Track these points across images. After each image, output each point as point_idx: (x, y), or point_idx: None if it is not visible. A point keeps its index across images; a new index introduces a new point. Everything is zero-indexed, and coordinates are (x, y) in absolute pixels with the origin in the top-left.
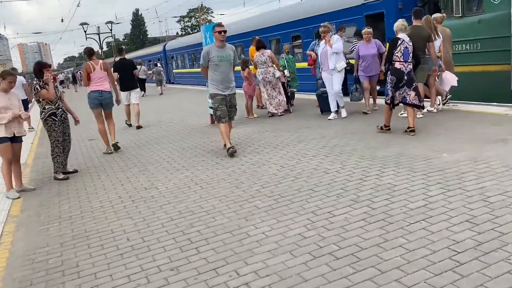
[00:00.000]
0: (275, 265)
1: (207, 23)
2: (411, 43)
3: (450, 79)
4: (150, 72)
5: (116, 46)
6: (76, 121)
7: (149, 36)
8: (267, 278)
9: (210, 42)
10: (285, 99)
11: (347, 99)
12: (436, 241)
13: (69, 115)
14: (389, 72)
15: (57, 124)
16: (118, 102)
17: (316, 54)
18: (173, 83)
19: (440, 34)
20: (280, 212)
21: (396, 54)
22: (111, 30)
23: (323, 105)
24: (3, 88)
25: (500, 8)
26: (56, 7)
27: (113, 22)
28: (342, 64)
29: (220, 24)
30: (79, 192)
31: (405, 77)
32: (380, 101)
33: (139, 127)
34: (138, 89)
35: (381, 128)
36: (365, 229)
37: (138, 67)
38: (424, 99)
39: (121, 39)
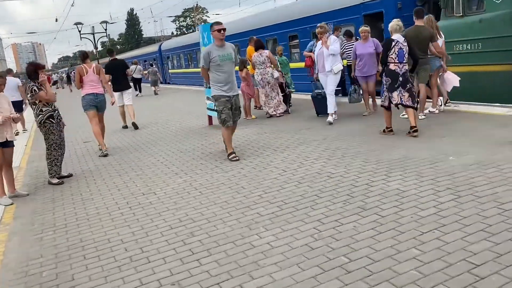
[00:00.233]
0: (283, 280)
1: (202, 23)
2: (405, 44)
3: (452, 80)
4: (146, 72)
5: (111, 46)
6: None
7: (144, 36)
8: None
9: (208, 41)
10: (282, 99)
11: (346, 99)
12: (451, 252)
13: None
14: (384, 74)
15: (55, 127)
16: (113, 103)
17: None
18: (169, 83)
19: (442, 34)
20: (285, 220)
21: (391, 56)
22: (105, 29)
23: (319, 107)
24: None
25: (502, 7)
26: (50, 7)
27: (107, 21)
28: (339, 66)
29: (219, 22)
30: (74, 198)
31: (400, 78)
32: (379, 102)
33: (134, 125)
34: (131, 90)
35: (384, 131)
36: (376, 239)
37: (134, 66)
38: (427, 100)
39: (116, 39)
